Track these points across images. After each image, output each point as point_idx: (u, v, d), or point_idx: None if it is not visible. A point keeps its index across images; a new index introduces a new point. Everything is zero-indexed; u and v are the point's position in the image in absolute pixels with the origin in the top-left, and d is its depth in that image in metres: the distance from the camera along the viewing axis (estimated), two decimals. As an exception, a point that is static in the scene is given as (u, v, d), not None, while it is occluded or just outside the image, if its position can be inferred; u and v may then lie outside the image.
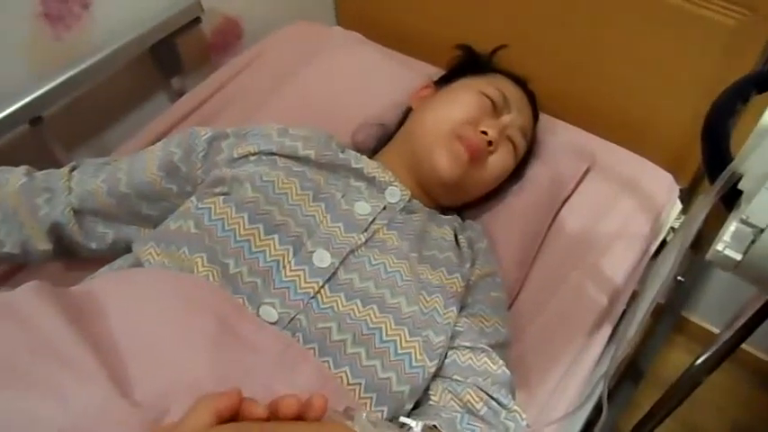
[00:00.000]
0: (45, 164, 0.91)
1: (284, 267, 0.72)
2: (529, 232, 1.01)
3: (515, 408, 0.76)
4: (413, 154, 0.89)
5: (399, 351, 0.71)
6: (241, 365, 0.60)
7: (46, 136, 1.04)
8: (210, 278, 0.70)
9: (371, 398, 0.68)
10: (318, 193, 0.80)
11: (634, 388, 1.33)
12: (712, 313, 1.64)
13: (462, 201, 0.96)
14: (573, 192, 1.09)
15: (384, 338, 0.71)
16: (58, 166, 1.05)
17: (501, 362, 0.78)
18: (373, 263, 0.76)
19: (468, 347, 0.78)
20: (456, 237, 0.90)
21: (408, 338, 0.72)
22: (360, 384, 0.68)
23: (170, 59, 1.20)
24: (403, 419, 0.55)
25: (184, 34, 1.18)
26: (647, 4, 1.05)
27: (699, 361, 0.85)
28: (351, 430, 0.45)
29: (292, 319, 0.69)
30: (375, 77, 1.18)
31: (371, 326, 0.71)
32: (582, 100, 1.22)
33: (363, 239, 0.78)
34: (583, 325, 0.95)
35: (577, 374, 0.92)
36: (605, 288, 0.99)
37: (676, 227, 1.18)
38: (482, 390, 0.75)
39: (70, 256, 0.87)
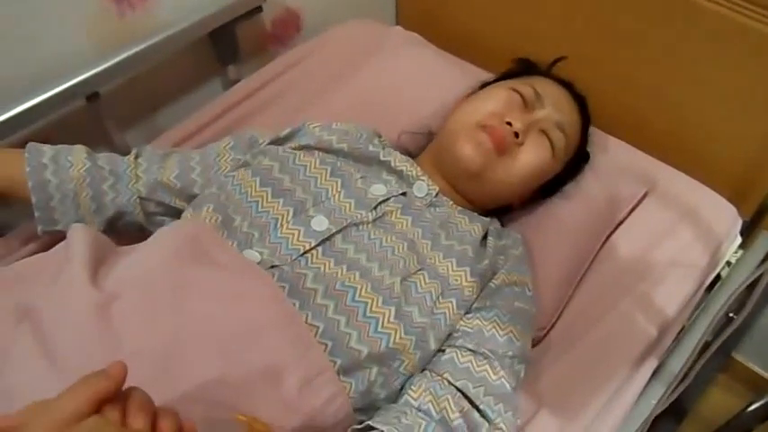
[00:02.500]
0: (97, 140, 0.92)
1: (281, 225, 0.76)
2: (578, 251, 0.97)
3: (502, 425, 0.70)
4: (439, 148, 0.89)
5: (368, 314, 0.70)
6: (197, 270, 0.67)
7: (101, 112, 1.04)
8: (208, 221, 0.77)
9: (327, 345, 0.67)
10: (337, 170, 0.83)
11: (676, 426, 1.28)
12: (758, 353, 1.57)
13: (496, 198, 0.91)
14: (628, 215, 1.05)
15: (356, 299, 0.71)
16: (110, 143, 1.06)
17: (503, 373, 0.73)
18: (371, 238, 0.77)
19: (470, 350, 0.74)
20: (485, 236, 0.86)
21: (381, 305, 0.71)
22: (318, 328, 0.68)
23: (228, 47, 1.19)
24: None
25: (245, 22, 1.18)
26: (710, 23, 1.00)
27: (750, 408, 0.80)
28: None
29: (274, 266, 0.71)
30: (431, 82, 1.16)
31: (347, 284, 0.71)
32: (640, 119, 1.18)
33: (370, 217, 0.79)
34: (629, 355, 0.91)
35: (619, 406, 0.87)
36: (655, 319, 0.94)
37: (733, 261, 1.12)
38: (468, 398, 0.70)
39: (117, 236, 0.88)
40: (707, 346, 0.91)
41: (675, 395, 0.91)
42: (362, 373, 0.69)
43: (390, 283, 0.73)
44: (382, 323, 0.70)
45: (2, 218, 1.04)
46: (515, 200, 0.94)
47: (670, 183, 1.09)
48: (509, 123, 0.84)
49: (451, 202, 0.88)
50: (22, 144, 0.88)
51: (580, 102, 0.96)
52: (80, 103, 1.01)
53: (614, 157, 1.07)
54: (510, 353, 0.75)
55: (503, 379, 0.73)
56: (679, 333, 0.96)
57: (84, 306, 0.61)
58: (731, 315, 1.26)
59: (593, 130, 1.12)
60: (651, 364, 0.93)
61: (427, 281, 0.76)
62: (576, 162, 0.98)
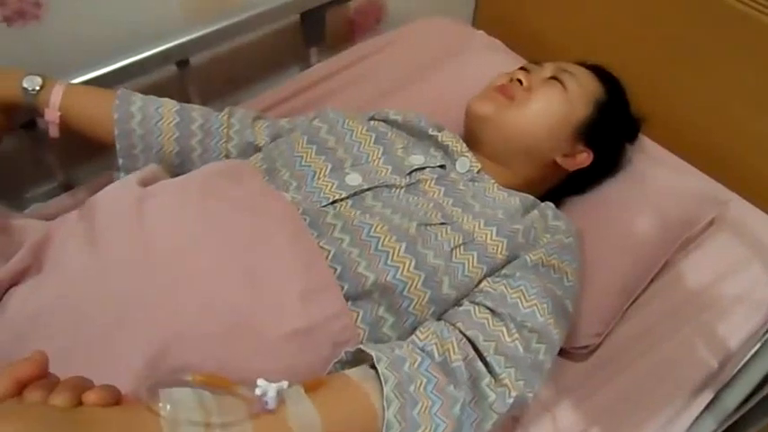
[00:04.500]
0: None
1: (318, 177, 0.80)
2: (640, 264, 0.94)
3: (507, 381, 0.67)
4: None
5: (380, 247, 0.71)
6: (227, 184, 0.73)
7: (188, 80, 1.07)
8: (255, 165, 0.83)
9: (336, 269, 0.69)
10: (381, 137, 0.87)
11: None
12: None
13: (527, 150, 0.89)
14: (698, 243, 1.03)
15: (371, 234, 0.72)
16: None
17: (518, 337, 0.70)
18: (400, 198, 0.79)
19: (489, 308, 0.72)
20: (526, 211, 0.84)
21: (394, 241, 0.72)
22: (330, 252, 0.70)
23: (316, 30, 1.21)
24: (259, 382, 0.51)
25: (334, 7, 1.19)
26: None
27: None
28: (150, 415, 0.46)
29: (302, 209, 0.74)
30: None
31: (365, 222, 0.73)
32: (714, 147, 1.15)
33: (403, 182, 0.81)
34: (686, 384, 0.89)
35: (670, 435, 0.86)
36: (717, 350, 0.92)
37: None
38: (475, 347, 0.68)
39: None
40: (764, 383, 0.89)
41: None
42: (371, 306, 0.69)
43: (407, 226, 0.74)
44: (392, 256, 0.71)
45: (71, 175, 1.08)
46: (549, 152, 0.90)
47: (744, 215, 1.06)
48: (516, 81, 0.91)
49: (493, 181, 0.86)
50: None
51: (604, 77, 0.95)
52: (170, 68, 1.04)
53: (685, 179, 1.04)
54: (530, 324, 0.71)
55: (517, 342, 0.70)
56: (739, 368, 0.94)
57: (126, 199, 0.70)
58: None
59: (663, 151, 1.10)
60: (706, 397, 0.91)
61: (449, 232, 0.75)
62: (613, 131, 0.95)
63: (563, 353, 0.91)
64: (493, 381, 0.67)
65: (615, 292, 0.91)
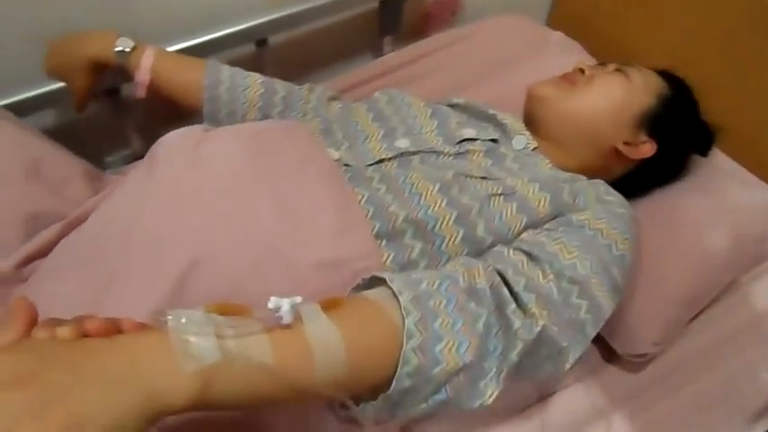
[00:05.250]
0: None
1: (369, 140, 0.83)
2: (708, 277, 0.89)
3: (536, 311, 0.62)
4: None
5: (413, 191, 0.72)
6: (277, 129, 0.78)
7: (265, 59, 1.09)
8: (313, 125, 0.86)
9: (369, 210, 0.70)
10: (438, 112, 0.88)
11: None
12: None
13: (586, 133, 0.86)
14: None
15: (406, 181, 0.73)
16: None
17: (555, 283, 0.65)
18: (445, 161, 0.79)
19: (525, 252, 0.68)
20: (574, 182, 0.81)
21: (428, 184, 0.73)
22: (364, 196, 0.71)
23: (392, 19, 1.22)
24: (272, 298, 0.48)
25: (413, -1, 1.20)
26: None
27: None
28: (157, 336, 0.43)
29: (348, 165, 0.76)
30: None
31: (401, 174, 0.75)
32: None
33: (452, 151, 0.81)
34: (746, 408, 0.86)
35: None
36: (782, 377, 0.89)
37: None
38: (504, 279, 0.64)
39: None
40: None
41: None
42: (403, 248, 0.69)
43: (444, 174, 0.74)
44: (425, 197, 0.72)
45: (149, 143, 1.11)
46: (608, 138, 0.86)
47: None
48: (579, 71, 0.90)
49: (547, 161, 0.84)
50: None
51: (671, 78, 0.92)
52: (249, 47, 1.07)
53: (760, 196, 0.99)
54: (569, 274, 0.66)
55: (552, 284, 0.65)
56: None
57: (188, 136, 0.73)
58: None
59: (739, 167, 1.06)
60: (766, 424, 0.88)
61: (488, 183, 0.74)
62: (678, 127, 0.90)
63: (621, 360, 0.89)
64: (518, 309, 0.62)
65: (679, 301, 0.88)
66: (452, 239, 0.70)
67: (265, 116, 0.93)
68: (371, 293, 0.58)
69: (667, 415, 0.85)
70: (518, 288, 0.63)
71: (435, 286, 0.59)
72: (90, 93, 0.92)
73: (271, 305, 0.48)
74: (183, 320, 0.43)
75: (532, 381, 0.69)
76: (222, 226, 0.64)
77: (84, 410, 0.37)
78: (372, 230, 0.69)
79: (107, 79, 0.95)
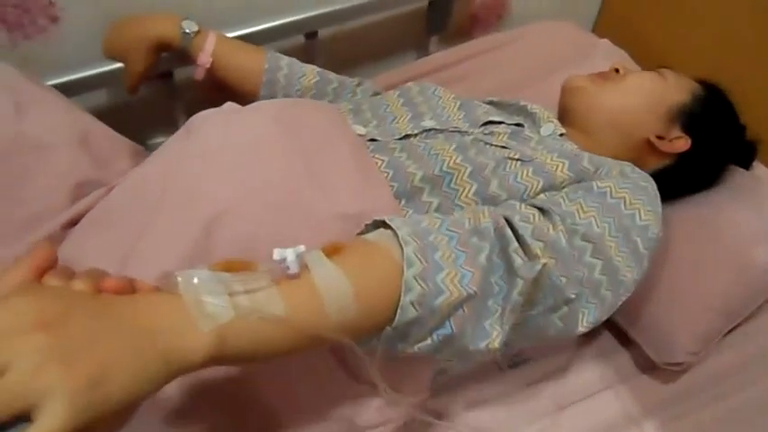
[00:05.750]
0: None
1: (397, 121, 0.85)
2: (747, 289, 0.88)
3: (537, 251, 0.59)
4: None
5: (432, 152, 0.75)
6: (307, 109, 0.77)
7: (315, 51, 1.11)
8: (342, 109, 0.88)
9: (388, 173, 0.72)
10: (467, 104, 0.89)
11: None
12: None
13: (614, 123, 0.87)
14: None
15: (426, 148, 0.76)
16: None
17: (566, 236, 0.63)
18: (474, 140, 0.79)
19: (538, 207, 0.66)
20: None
21: (446, 145, 0.76)
22: (383, 161, 0.74)
23: (440, 18, 1.23)
24: (276, 250, 0.48)
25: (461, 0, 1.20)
26: None
27: None
28: (169, 296, 0.44)
29: (374, 140, 0.79)
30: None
31: (423, 142, 0.77)
32: None
33: (476, 132, 0.82)
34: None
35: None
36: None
37: None
38: (510, 223, 0.61)
39: None
40: None
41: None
42: (421, 205, 0.72)
43: (463, 138, 0.78)
44: (441, 155, 0.74)
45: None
46: (640, 129, 0.87)
47: None
48: (614, 70, 0.92)
49: (576, 146, 0.84)
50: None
51: (706, 82, 0.92)
52: (298, 39, 1.08)
53: None
54: (583, 230, 0.65)
55: (561, 234, 0.63)
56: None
57: (223, 111, 0.74)
58: None
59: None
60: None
61: (506, 150, 0.76)
62: (714, 125, 0.89)
63: (655, 370, 0.88)
64: (520, 248, 0.60)
65: (716, 311, 0.87)
66: (466, 192, 0.72)
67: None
68: (372, 235, 0.58)
69: (700, 427, 0.84)
70: (524, 233, 0.61)
71: (437, 225, 0.58)
72: (146, 74, 0.94)
73: (276, 256, 0.48)
74: (195, 281, 0.44)
75: (546, 340, 0.67)
76: (249, 178, 0.66)
77: (111, 361, 0.37)
78: (392, 191, 0.71)
79: (161, 63, 0.97)
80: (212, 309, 0.43)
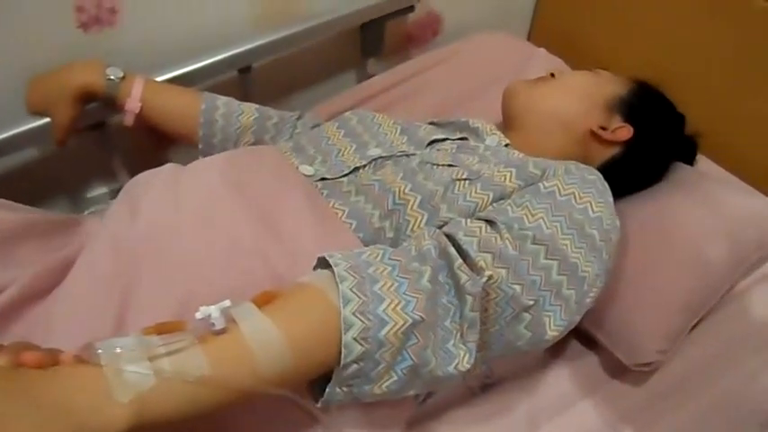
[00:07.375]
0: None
1: (342, 154, 0.83)
2: (706, 282, 0.88)
3: (482, 263, 0.59)
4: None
5: (383, 186, 0.74)
6: (248, 160, 0.77)
7: (250, 84, 1.08)
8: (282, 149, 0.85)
9: (352, 223, 0.71)
10: (408, 128, 0.88)
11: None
12: None
13: (552, 122, 0.88)
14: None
15: (377, 181, 0.75)
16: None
17: (511, 240, 0.63)
18: (419, 164, 0.78)
19: (484, 219, 0.66)
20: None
21: (394, 174, 0.75)
22: (344, 211, 0.72)
23: (374, 41, 1.22)
24: (200, 308, 0.48)
25: (394, 19, 1.20)
26: None
27: None
28: (90, 369, 0.43)
29: (324, 179, 0.77)
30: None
31: (375, 180, 0.76)
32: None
33: (422, 153, 0.82)
34: (752, 419, 0.85)
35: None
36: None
37: None
38: (454, 239, 0.62)
39: None
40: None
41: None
42: (383, 242, 0.70)
43: (409, 163, 0.78)
44: (391, 186, 0.73)
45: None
46: (581, 121, 0.88)
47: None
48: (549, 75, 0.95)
49: (521, 154, 0.83)
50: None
51: (641, 81, 0.94)
52: (232, 74, 1.06)
53: (754, 201, 0.98)
54: (532, 234, 0.64)
55: (508, 242, 0.63)
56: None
57: (164, 172, 0.74)
58: None
59: (728, 175, 1.07)
60: (774, 433, 0.87)
61: (453, 169, 0.75)
62: (653, 114, 0.91)
63: (627, 374, 0.88)
64: (464, 264, 0.59)
65: (679, 308, 0.87)
66: (417, 223, 0.71)
67: (258, 140, 0.95)
68: (309, 277, 0.57)
69: (677, 428, 0.84)
70: (468, 248, 0.61)
71: (378, 257, 0.58)
72: (73, 125, 0.90)
73: (199, 315, 0.48)
74: (118, 350, 0.44)
75: (519, 351, 0.66)
76: (209, 255, 0.64)
77: None
78: (360, 240, 0.70)
79: (91, 114, 0.93)
80: (132, 377, 0.43)
